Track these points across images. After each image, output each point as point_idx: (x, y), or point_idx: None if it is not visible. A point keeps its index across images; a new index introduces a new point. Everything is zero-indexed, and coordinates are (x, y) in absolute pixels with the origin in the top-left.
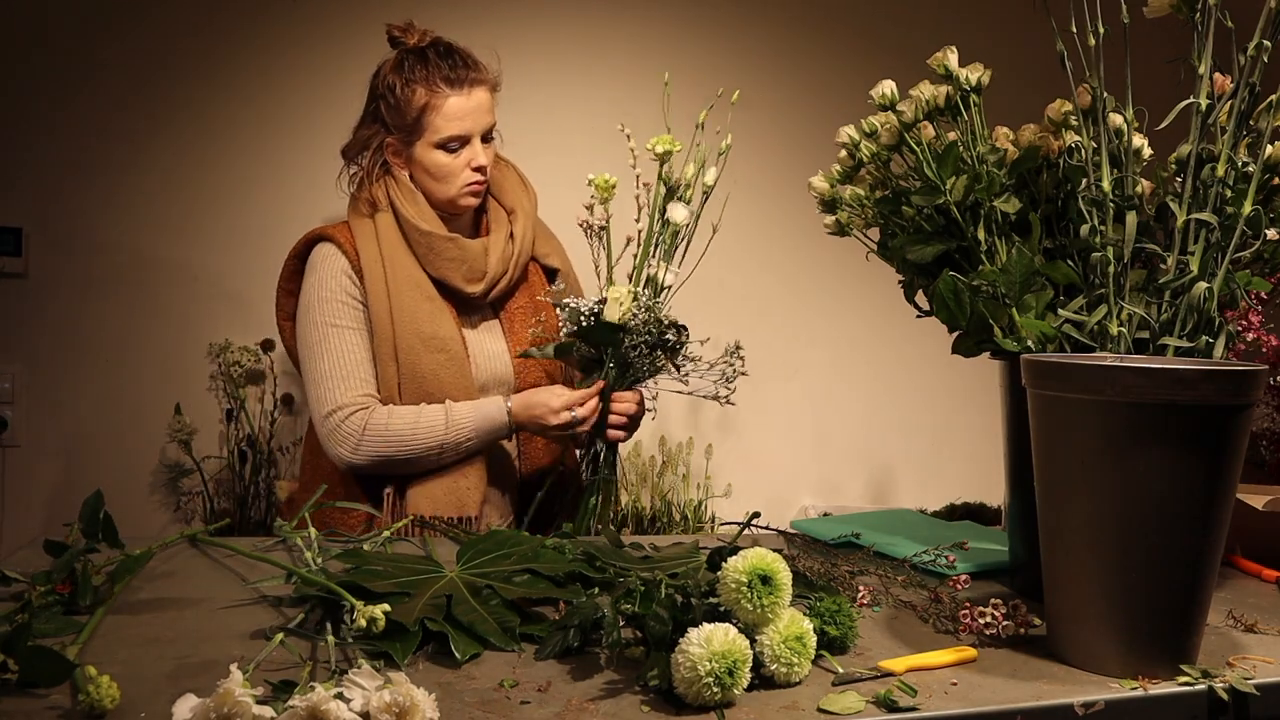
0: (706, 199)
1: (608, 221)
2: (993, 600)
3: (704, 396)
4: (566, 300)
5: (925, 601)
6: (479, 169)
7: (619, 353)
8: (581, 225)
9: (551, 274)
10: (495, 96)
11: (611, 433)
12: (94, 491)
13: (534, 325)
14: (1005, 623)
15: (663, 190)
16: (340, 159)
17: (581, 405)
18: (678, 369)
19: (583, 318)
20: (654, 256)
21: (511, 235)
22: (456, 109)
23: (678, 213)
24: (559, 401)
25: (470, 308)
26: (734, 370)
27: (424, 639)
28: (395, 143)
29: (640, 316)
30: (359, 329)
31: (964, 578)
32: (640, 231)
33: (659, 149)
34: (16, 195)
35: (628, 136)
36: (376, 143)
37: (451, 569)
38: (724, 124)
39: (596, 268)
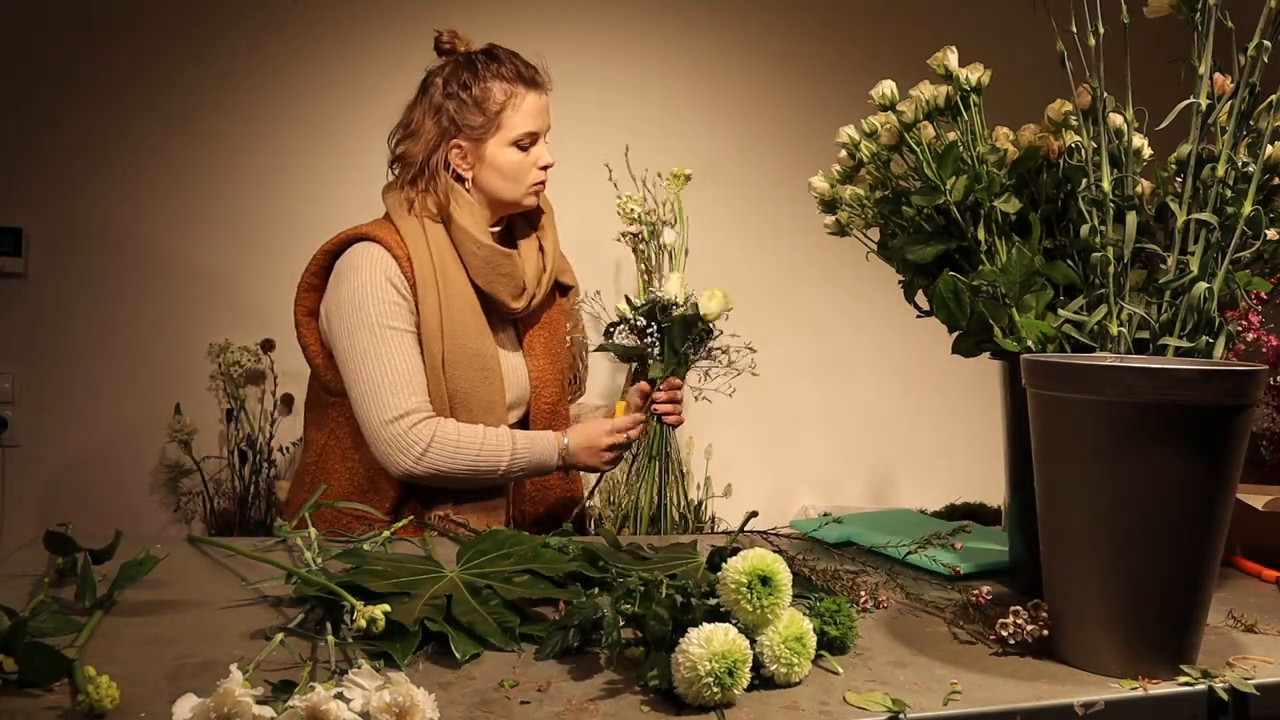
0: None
1: (652, 232)
2: (1016, 606)
3: (716, 389)
4: (650, 297)
5: (945, 605)
6: (545, 167)
7: (680, 341)
8: (624, 237)
9: (564, 290)
10: None
11: (673, 418)
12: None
13: (571, 330)
14: (1030, 626)
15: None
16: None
17: (632, 429)
18: (709, 356)
19: (661, 310)
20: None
21: (542, 249)
22: (533, 105)
23: (667, 235)
24: (608, 438)
25: (499, 323)
26: (747, 363)
27: (424, 639)
28: (464, 144)
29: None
30: (412, 333)
31: (985, 590)
32: (670, 246)
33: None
34: (16, 195)
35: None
36: (443, 152)
37: (451, 569)
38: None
39: (645, 273)
